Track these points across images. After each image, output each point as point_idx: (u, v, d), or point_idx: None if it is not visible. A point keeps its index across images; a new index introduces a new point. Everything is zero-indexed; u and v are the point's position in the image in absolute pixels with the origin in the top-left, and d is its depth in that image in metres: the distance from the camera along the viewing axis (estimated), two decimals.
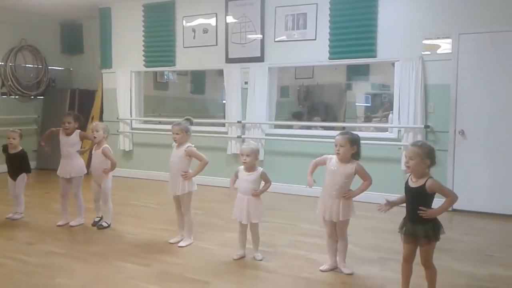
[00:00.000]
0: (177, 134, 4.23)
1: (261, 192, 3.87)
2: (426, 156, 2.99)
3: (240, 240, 4.00)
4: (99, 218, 4.98)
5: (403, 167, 5.83)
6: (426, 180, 2.98)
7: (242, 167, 3.94)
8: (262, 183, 3.93)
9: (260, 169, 3.91)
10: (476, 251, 4.29)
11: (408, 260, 3.14)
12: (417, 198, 3.01)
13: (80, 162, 5.03)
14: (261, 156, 6.57)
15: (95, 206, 5.01)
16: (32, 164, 8.47)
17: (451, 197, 3.03)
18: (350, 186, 3.60)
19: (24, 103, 8.90)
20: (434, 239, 3.02)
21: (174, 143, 4.32)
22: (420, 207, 2.97)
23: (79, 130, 5.02)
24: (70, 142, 4.95)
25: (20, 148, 5.17)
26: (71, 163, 4.94)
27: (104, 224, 4.88)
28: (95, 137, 4.79)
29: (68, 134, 4.97)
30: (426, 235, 3.00)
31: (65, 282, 3.50)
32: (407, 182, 3.09)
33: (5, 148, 5.18)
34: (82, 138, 5.14)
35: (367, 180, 3.54)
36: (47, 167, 7.53)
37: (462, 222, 5.31)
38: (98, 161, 4.80)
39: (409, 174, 3.12)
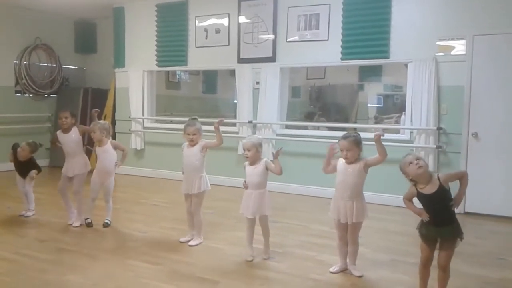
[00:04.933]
0: (194, 134, 4.24)
1: (277, 164, 3.79)
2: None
3: (248, 236, 3.98)
4: (90, 219, 4.91)
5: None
6: (439, 180, 2.96)
7: (247, 162, 3.94)
8: (270, 175, 3.91)
9: (263, 159, 3.89)
10: (488, 254, 4.24)
11: (427, 264, 3.11)
12: (442, 200, 2.97)
13: (84, 159, 5.03)
14: (271, 156, 6.57)
15: (90, 205, 4.94)
16: (46, 162, 8.69)
17: (464, 176, 3.03)
18: (363, 185, 3.57)
19: (38, 101, 9.00)
20: (460, 238, 3.01)
21: (185, 143, 4.33)
22: (449, 204, 2.96)
23: (76, 126, 4.99)
24: (69, 139, 4.93)
25: (30, 156, 5.18)
26: (74, 161, 4.93)
27: (108, 222, 4.91)
28: (92, 138, 4.83)
29: (67, 131, 4.94)
30: (453, 235, 2.98)
31: (76, 279, 3.53)
32: (421, 193, 3.00)
33: (15, 148, 5.20)
34: (83, 133, 5.08)
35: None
36: (60, 165, 7.58)
37: (474, 225, 5.25)
38: (104, 158, 4.82)
39: (415, 186, 3.05)
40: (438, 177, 2.98)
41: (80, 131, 5.00)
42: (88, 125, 5.19)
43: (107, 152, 4.83)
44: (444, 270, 3.05)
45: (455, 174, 3.10)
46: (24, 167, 5.18)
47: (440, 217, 2.98)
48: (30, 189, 5.25)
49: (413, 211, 3.09)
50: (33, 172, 5.14)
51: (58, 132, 5.04)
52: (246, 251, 4.01)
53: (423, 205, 3.05)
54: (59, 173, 5.06)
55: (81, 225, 4.95)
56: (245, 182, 3.93)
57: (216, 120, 4.32)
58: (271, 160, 3.91)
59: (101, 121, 4.99)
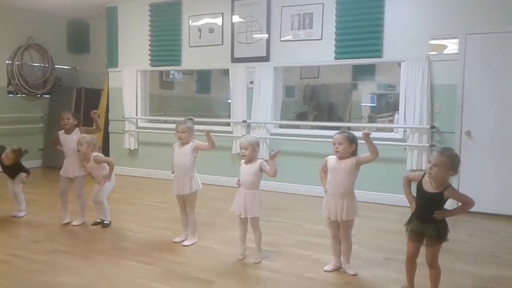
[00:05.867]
0: (183, 132, 4.22)
1: (272, 165, 3.74)
2: (451, 167, 2.94)
3: (240, 234, 3.98)
4: (101, 220, 4.97)
5: (408, 167, 5.84)
6: (445, 188, 2.96)
7: (243, 161, 3.93)
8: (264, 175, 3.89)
9: (259, 160, 3.86)
10: (482, 252, 4.27)
11: (412, 258, 3.15)
12: (432, 203, 2.99)
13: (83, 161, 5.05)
14: (266, 155, 6.57)
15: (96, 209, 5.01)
16: (38, 162, 8.66)
17: (469, 204, 3.01)
18: (354, 183, 3.58)
19: (31, 102, 8.95)
20: (443, 239, 3.03)
21: (176, 143, 4.32)
22: (435, 212, 2.97)
23: (78, 128, 5.03)
24: (71, 140, 4.93)
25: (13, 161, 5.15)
26: (75, 162, 4.92)
27: (107, 222, 4.91)
28: (79, 150, 4.76)
29: (68, 131, 4.97)
30: (436, 235, 3.00)
31: (70, 280, 3.51)
32: (421, 185, 3.03)
33: (1, 151, 5.17)
34: (85, 133, 5.10)
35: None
36: (53, 165, 7.57)
37: (468, 223, 5.28)
38: (94, 172, 4.83)
39: (422, 175, 3.07)
40: (446, 187, 2.96)
41: (81, 132, 5.01)
42: (82, 125, 5.18)
43: (94, 168, 4.80)
44: (432, 267, 3.08)
45: (463, 196, 3.02)
46: (11, 170, 5.16)
47: (426, 214, 3.01)
48: (19, 191, 5.21)
49: (405, 194, 3.17)
50: (23, 175, 5.13)
51: (60, 133, 5.04)
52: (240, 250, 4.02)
53: (416, 197, 3.08)
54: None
55: (83, 223, 4.98)
56: (238, 180, 3.93)
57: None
58: (266, 161, 3.90)
59: (89, 136, 4.87)
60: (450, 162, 2.92)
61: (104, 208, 4.91)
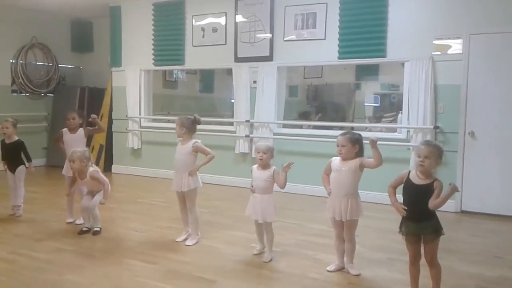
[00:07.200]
0: (177, 125, 4.28)
1: (283, 177, 3.80)
2: (439, 156, 3.05)
3: (257, 234, 4.02)
4: (87, 228, 4.69)
5: (411, 167, 5.81)
6: (434, 180, 3.00)
7: (255, 166, 3.94)
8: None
9: (273, 167, 3.88)
10: (485, 253, 4.25)
11: (415, 262, 3.14)
12: (424, 195, 2.99)
13: None
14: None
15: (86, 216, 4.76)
16: (42, 161, 8.70)
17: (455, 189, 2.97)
18: (358, 183, 3.59)
19: (34, 101, 8.97)
20: (440, 233, 3.03)
21: (178, 140, 4.35)
22: (430, 203, 2.96)
23: (82, 128, 5.05)
24: (75, 139, 4.95)
25: (16, 138, 5.16)
26: None
27: (97, 229, 4.65)
28: (72, 168, 4.59)
29: (73, 131, 4.99)
30: (434, 229, 3.01)
31: (73, 279, 3.52)
32: (410, 181, 3.05)
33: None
34: (89, 134, 5.16)
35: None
36: (57, 164, 7.59)
37: (471, 224, 5.27)
38: (89, 186, 4.64)
39: (407, 173, 3.10)
40: (435, 179, 3.00)
41: (85, 132, 5.04)
42: (86, 125, 5.18)
43: (87, 183, 4.59)
44: (432, 265, 3.08)
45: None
46: (12, 151, 5.11)
47: (419, 211, 3.02)
48: (21, 185, 5.20)
49: (392, 202, 3.15)
50: (30, 165, 5.13)
51: (64, 131, 5.05)
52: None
53: (405, 196, 3.08)
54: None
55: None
56: (252, 186, 3.93)
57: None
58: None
59: (80, 149, 4.56)
60: (438, 151, 3.05)
61: (95, 215, 4.65)
